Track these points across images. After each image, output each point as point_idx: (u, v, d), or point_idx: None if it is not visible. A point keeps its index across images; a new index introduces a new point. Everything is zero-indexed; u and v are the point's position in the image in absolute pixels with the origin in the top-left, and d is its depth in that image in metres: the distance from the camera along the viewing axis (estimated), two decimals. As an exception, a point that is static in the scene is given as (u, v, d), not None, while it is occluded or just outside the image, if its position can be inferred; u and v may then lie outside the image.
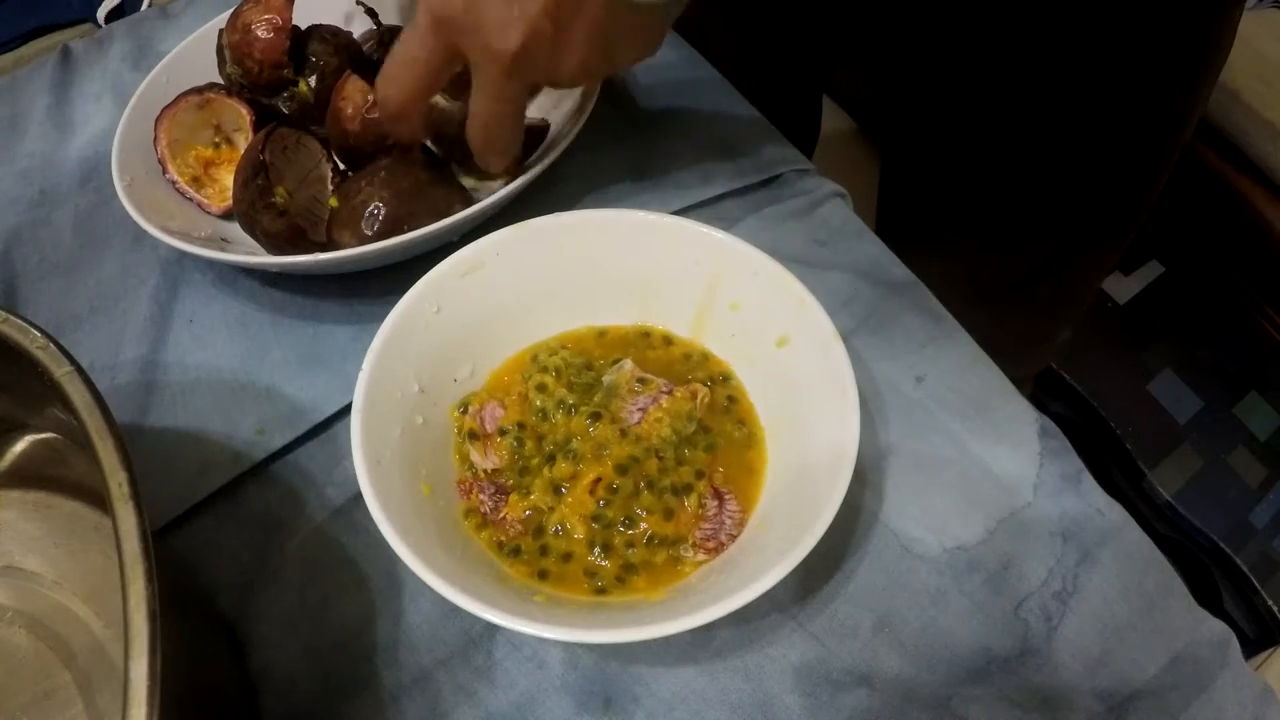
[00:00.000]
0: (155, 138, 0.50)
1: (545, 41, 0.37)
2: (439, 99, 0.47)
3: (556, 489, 0.36)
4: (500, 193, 0.45)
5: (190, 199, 0.50)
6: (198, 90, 0.51)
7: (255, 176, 0.45)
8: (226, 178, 0.51)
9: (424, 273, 0.39)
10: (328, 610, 0.37)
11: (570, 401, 0.38)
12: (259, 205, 0.45)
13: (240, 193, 0.46)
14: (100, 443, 0.28)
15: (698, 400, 0.38)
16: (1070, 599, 0.36)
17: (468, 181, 0.50)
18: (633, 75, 0.58)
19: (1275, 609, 0.95)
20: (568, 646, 0.36)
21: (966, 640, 0.35)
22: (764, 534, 0.34)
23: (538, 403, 0.38)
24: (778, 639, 0.35)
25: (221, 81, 0.52)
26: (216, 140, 0.52)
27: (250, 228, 0.46)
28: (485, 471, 0.38)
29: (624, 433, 0.37)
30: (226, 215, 0.50)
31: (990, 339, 0.45)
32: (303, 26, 0.52)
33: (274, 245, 0.46)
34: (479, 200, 0.45)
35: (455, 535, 0.35)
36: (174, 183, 0.50)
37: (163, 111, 0.50)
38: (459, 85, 0.44)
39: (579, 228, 0.41)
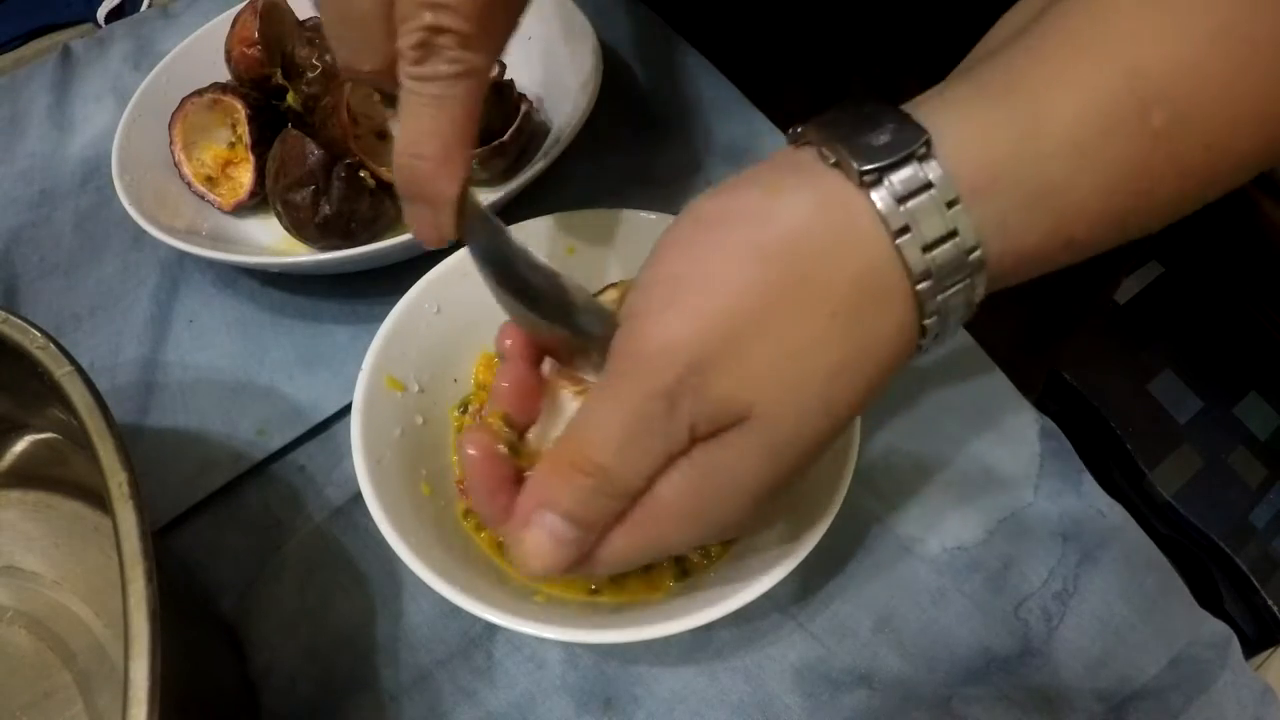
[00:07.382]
0: (170, 140, 0.51)
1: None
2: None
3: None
4: (500, 193, 0.44)
5: (203, 198, 0.51)
6: (199, 92, 0.51)
7: (328, 172, 0.45)
8: (242, 174, 0.51)
9: (424, 273, 0.39)
10: (328, 610, 0.37)
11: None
12: (349, 196, 0.45)
13: (313, 198, 0.45)
14: (100, 443, 0.28)
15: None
16: (1070, 599, 0.36)
17: None
18: (634, 76, 0.58)
19: (1275, 609, 0.95)
20: (568, 646, 0.36)
21: (966, 640, 0.35)
22: (764, 534, 0.34)
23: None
24: (778, 639, 0.35)
25: (222, 81, 0.52)
26: (233, 140, 0.52)
27: (340, 224, 0.46)
28: (485, 471, 0.38)
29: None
30: (235, 211, 0.51)
31: (997, 345, 0.45)
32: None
33: (368, 229, 0.47)
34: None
35: (455, 535, 0.35)
36: (189, 184, 0.51)
37: (174, 115, 0.51)
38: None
39: (579, 228, 0.41)
